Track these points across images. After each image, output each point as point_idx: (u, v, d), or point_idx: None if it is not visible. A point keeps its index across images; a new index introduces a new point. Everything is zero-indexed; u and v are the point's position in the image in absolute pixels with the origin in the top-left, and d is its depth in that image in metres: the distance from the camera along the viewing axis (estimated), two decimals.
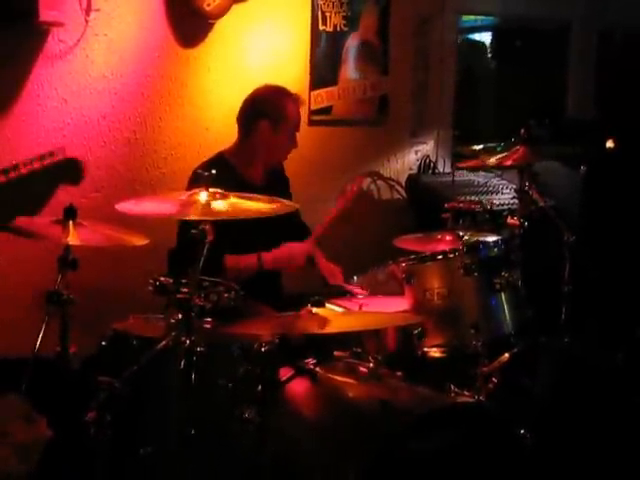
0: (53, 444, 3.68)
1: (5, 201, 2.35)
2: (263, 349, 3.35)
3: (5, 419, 3.88)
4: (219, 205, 3.13)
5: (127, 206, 3.16)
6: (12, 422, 3.87)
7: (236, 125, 4.43)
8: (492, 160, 4.54)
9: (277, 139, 4.37)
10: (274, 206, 3.34)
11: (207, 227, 3.08)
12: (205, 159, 4.35)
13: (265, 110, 4.35)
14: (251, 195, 3.32)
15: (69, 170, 2.46)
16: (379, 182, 5.87)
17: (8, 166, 2.36)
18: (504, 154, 4.50)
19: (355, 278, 4.37)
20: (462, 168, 5.62)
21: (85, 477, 3.39)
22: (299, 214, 4.54)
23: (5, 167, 2.35)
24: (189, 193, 3.18)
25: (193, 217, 3.08)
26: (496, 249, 3.83)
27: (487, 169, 5.72)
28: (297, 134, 4.47)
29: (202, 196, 3.13)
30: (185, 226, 3.94)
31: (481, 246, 3.80)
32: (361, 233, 5.56)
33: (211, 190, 3.13)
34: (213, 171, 3.16)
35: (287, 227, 4.30)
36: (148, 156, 5.04)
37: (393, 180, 5.95)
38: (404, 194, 5.94)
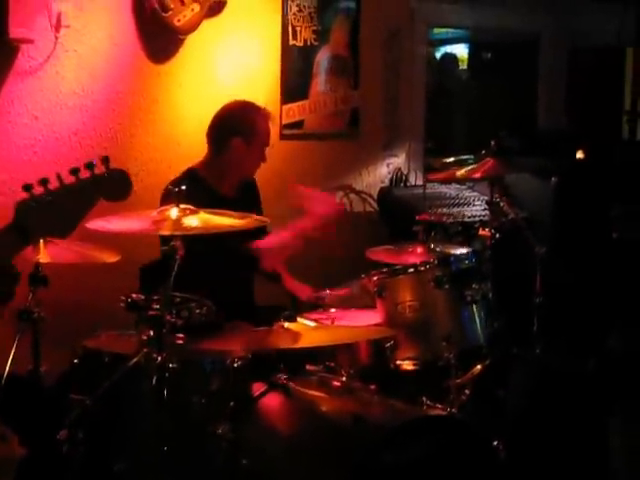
0: (25, 462, 3.67)
1: (35, 218, 2.22)
2: (235, 364, 3.37)
3: None
4: (191, 221, 3.14)
5: (99, 223, 3.16)
6: None
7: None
8: (462, 172, 4.55)
9: (250, 155, 4.39)
10: (245, 221, 3.35)
11: (177, 243, 3.09)
12: (178, 174, 4.35)
13: (237, 127, 4.37)
14: (222, 211, 3.33)
15: (113, 183, 2.32)
16: (351, 195, 5.89)
17: (42, 178, 2.20)
18: (474, 166, 4.51)
19: (327, 292, 4.36)
20: (433, 181, 5.64)
21: None
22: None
23: (41, 178, 2.20)
24: (160, 209, 3.19)
25: (164, 233, 3.10)
26: (467, 261, 3.87)
27: (459, 181, 5.74)
28: (266, 149, 4.48)
29: (173, 212, 3.14)
30: (164, 242, 3.96)
31: (452, 259, 3.84)
32: (333, 246, 5.56)
33: (182, 206, 3.14)
34: (183, 187, 3.17)
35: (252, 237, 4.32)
36: None
37: (365, 193, 5.97)
38: (376, 207, 5.95)
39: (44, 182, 2.20)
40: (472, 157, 5.85)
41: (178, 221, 3.11)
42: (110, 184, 2.29)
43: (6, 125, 4.65)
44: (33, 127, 4.73)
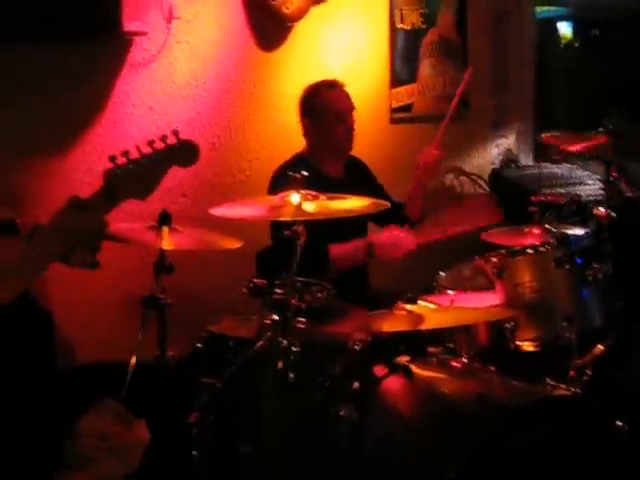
0: (152, 446, 3.76)
1: (121, 184, 2.46)
2: (357, 347, 3.39)
3: (104, 422, 3.96)
4: (309, 206, 3.18)
5: (221, 210, 3.22)
6: (111, 425, 3.96)
7: None
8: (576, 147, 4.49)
9: (322, 128, 4.42)
10: (364, 206, 3.38)
11: (300, 228, 3.13)
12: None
13: (304, 108, 4.46)
14: (340, 195, 3.36)
15: (182, 153, 2.54)
16: (461, 177, 5.87)
17: (124, 150, 2.46)
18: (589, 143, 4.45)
19: (441, 274, 4.36)
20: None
21: (186, 477, 3.45)
22: (389, 196, 4.56)
23: (124, 150, 2.46)
24: (281, 195, 3.23)
25: (285, 219, 3.14)
26: (587, 241, 3.82)
27: (571, 160, 5.68)
28: (347, 117, 4.46)
29: (294, 198, 3.18)
30: (278, 228, 4.01)
31: (571, 238, 3.79)
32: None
33: (302, 192, 3.17)
34: (305, 172, 3.20)
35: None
36: (233, 160, 5.10)
37: (475, 175, 5.94)
38: (487, 188, 5.92)
39: (126, 153, 2.44)
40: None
41: (299, 206, 3.15)
42: (181, 153, 2.52)
43: (122, 116, 4.74)
44: (148, 118, 4.81)
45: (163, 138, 2.50)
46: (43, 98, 4.44)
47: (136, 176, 2.46)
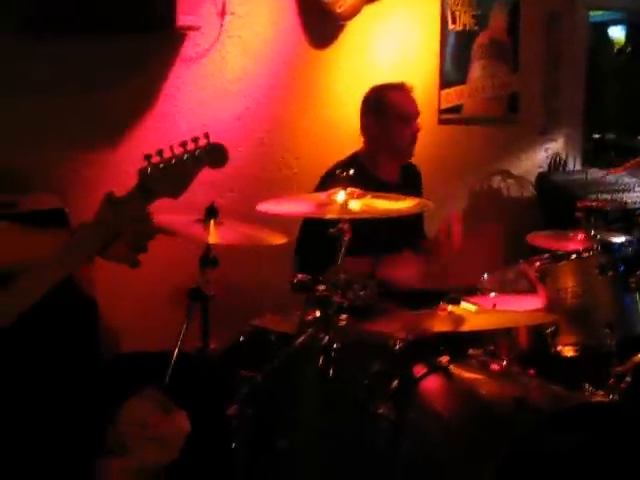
0: (193, 436, 3.81)
1: (154, 182, 2.53)
2: (398, 346, 3.41)
3: (145, 411, 4.02)
4: (355, 204, 3.20)
5: (268, 206, 3.26)
6: (151, 414, 4.01)
7: None
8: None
9: (386, 130, 4.38)
10: (409, 206, 3.40)
11: (345, 226, 3.16)
12: (338, 158, 4.40)
13: (368, 106, 4.43)
14: (387, 194, 3.38)
15: (212, 154, 2.62)
16: (509, 180, 5.88)
17: (161, 148, 2.54)
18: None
19: (485, 276, 4.37)
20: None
21: (224, 469, 3.49)
22: (423, 220, 4.57)
23: (159, 149, 2.54)
24: (327, 193, 3.26)
25: (331, 216, 3.16)
26: (630, 248, 3.82)
27: None
28: (414, 125, 4.43)
29: (340, 196, 3.20)
30: (309, 225, 4.04)
31: (616, 246, 3.79)
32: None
33: (349, 189, 3.20)
34: (351, 171, 3.23)
35: (408, 231, 4.34)
36: (280, 156, 5.15)
37: (523, 178, 5.95)
38: (534, 192, 5.92)
39: (160, 152, 2.51)
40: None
41: (345, 204, 3.17)
42: (210, 154, 2.58)
43: (172, 110, 4.80)
44: (198, 112, 4.86)
45: (194, 139, 2.58)
46: (94, 91, 4.53)
47: (168, 175, 2.53)
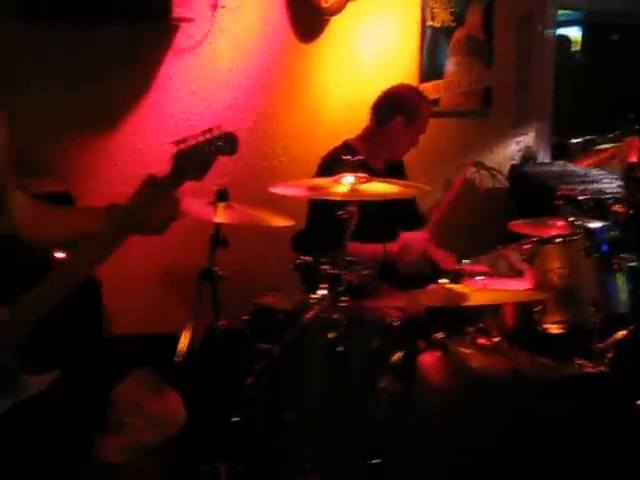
0: (195, 411, 3.94)
1: (185, 165, 2.73)
2: (395, 323, 3.59)
3: (137, 390, 4.15)
4: (363, 188, 3.38)
5: (278, 189, 3.43)
6: (144, 394, 4.14)
7: (368, 115, 4.62)
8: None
9: (406, 135, 4.55)
10: (410, 189, 3.60)
11: (353, 209, 3.33)
12: (326, 149, 4.55)
13: (403, 106, 4.53)
14: (388, 179, 3.57)
15: (227, 143, 2.80)
16: (482, 171, 6.05)
17: (180, 138, 2.74)
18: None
19: (464, 262, 4.53)
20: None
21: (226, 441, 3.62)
22: (416, 203, 4.76)
23: (178, 139, 2.73)
24: (335, 177, 3.43)
25: (342, 198, 3.33)
26: (612, 232, 4.01)
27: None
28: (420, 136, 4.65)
29: (348, 179, 3.38)
30: (317, 209, 4.20)
31: (599, 230, 3.99)
32: (465, 219, 5.76)
33: (357, 174, 3.38)
34: (360, 157, 3.41)
35: (404, 216, 4.53)
36: (268, 146, 5.28)
37: (495, 170, 6.12)
38: (506, 183, 6.11)
39: (185, 140, 2.74)
40: (595, 138, 6.02)
41: (354, 188, 3.35)
42: (226, 142, 2.80)
43: (165, 99, 4.91)
44: (190, 101, 4.99)
45: (212, 129, 2.79)
46: (94, 80, 4.64)
47: (195, 158, 2.74)
